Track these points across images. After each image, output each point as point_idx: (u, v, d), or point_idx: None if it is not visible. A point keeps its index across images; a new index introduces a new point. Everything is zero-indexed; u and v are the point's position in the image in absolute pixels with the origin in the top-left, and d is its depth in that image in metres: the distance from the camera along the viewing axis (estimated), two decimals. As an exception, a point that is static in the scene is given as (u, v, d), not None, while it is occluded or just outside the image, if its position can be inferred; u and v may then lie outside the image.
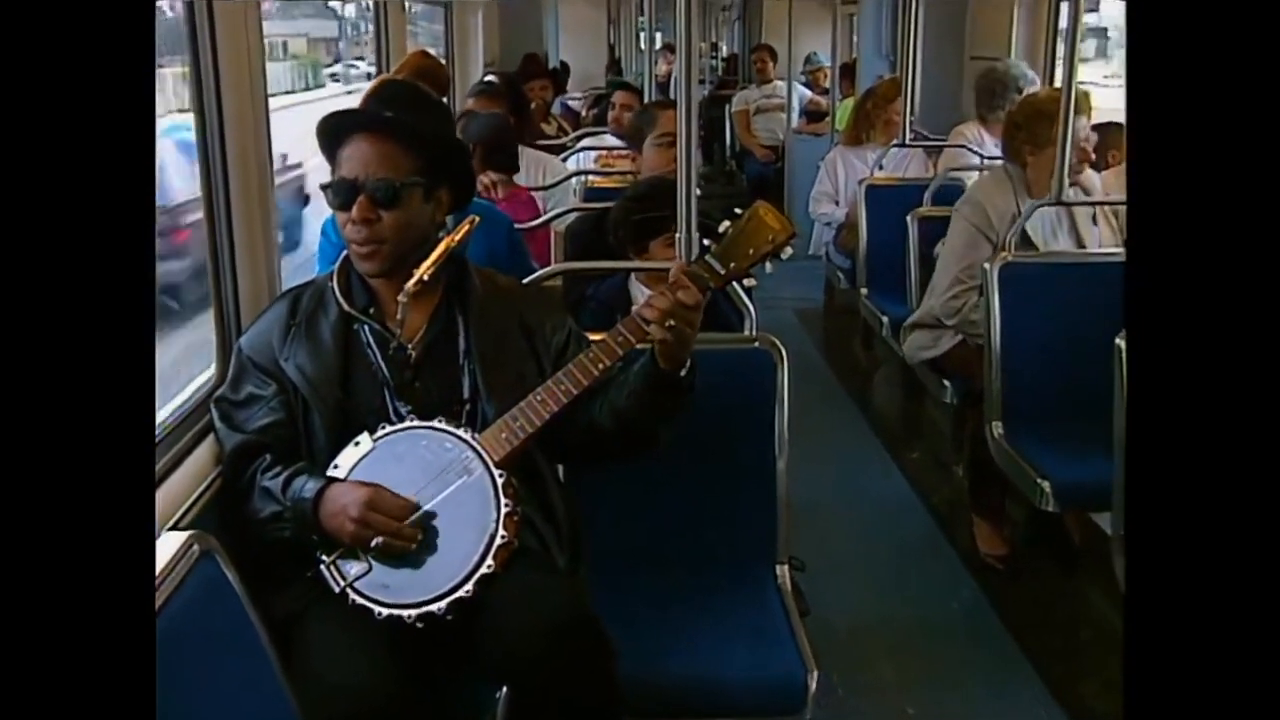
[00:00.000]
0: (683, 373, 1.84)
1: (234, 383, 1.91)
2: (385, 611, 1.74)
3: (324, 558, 1.78)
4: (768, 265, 1.86)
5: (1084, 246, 3.45)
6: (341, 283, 1.93)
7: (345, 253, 1.95)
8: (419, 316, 1.92)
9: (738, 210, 1.85)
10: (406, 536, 1.76)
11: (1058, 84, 3.94)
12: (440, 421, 1.83)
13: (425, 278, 1.85)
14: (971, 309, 3.36)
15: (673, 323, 1.77)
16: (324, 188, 1.90)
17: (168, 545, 1.46)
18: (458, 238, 1.90)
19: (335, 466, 1.82)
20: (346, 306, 1.91)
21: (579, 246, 3.06)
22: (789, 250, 1.85)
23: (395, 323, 1.88)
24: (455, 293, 1.95)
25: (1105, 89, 6.05)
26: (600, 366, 1.84)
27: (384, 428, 1.84)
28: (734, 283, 1.87)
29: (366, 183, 1.83)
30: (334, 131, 1.89)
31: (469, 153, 2.17)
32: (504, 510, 1.78)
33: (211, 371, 2.13)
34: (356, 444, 1.83)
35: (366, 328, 1.91)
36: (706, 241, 1.85)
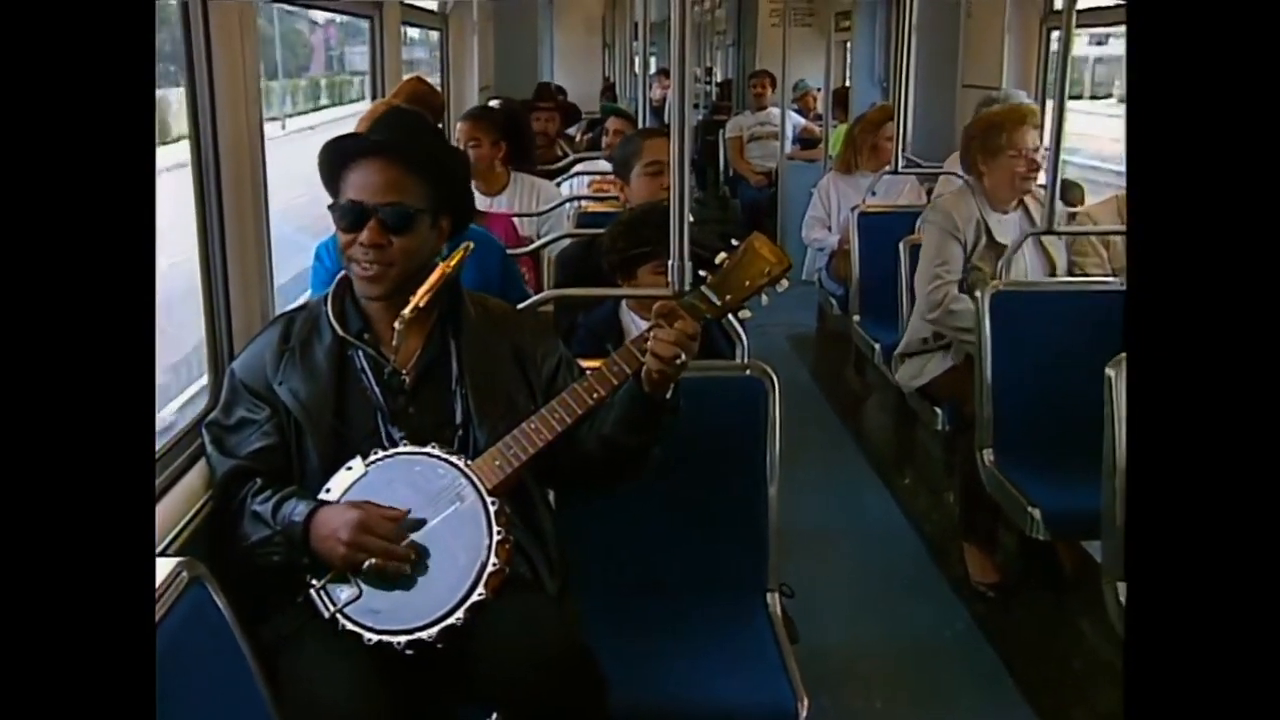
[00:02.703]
0: (668, 395, 1.84)
1: (226, 407, 1.91)
2: (375, 638, 1.73)
3: (314, 582, 1.77)
4: (763, 297, 1.86)
5: (1053, 263, 3.52)
6: (336, 307, 1.93)
7: (340, 277, 1.95)
8: (413, 342, 1.92)
9: (734, 241, 1.86)
10: (399, 556, 1.75)
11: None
12: (433, 447, 1.83)
13: (421, 304, 1.85)
14: (953, 300, 3.46)
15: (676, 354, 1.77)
16: (331, 209, 1.90)
17: (158, 571, 1.45)
18: (453, 264, 1.90)
19: (327, 491, 1.81)
20: (341, 331, 1.91)
21: (568, 272, 3.06)
22: (784, 283, 1.85)
23: (390, 348, 1.88)
24: (449, 318, 1.95)
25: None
26: (595, 396, 1.83)
27: (377, 453, 1.83)
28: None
29: (378, 207, 1.84)
30: (341, 155, 1.89)
31: (470, 181, 2.18)
32: (496, 537, 1.77)
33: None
34: (349, 468, 1.82)
35: (361, 353, 1.91)
36: (701, 272, 1.85)
